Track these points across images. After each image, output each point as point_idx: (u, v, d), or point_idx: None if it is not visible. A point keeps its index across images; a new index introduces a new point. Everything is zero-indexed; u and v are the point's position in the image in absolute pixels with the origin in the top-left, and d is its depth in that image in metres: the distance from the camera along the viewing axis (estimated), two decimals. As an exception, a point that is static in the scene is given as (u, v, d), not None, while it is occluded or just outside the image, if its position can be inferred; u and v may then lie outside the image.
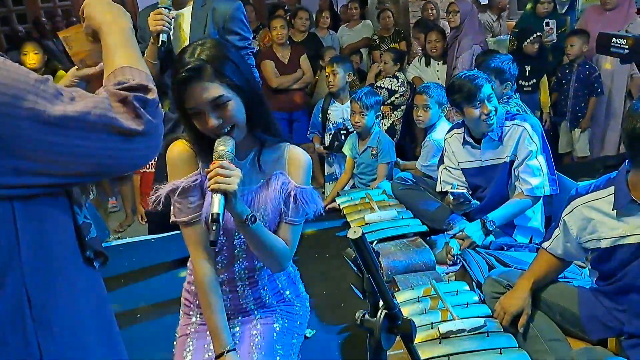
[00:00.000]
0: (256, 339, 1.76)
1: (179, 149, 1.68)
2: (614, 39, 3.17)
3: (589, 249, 1.98)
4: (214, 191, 1.44)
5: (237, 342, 1.74)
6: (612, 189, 1.90)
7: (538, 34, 4.78)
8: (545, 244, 2.15)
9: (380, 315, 1.02)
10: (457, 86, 2.77)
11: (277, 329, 1.80)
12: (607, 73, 4.81)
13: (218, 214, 1.41)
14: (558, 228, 2.08)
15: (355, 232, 0.92)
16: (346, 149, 4.04)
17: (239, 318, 1.83)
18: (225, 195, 1.44)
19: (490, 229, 2.71)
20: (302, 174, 1.70)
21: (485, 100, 2.72)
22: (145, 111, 1.02)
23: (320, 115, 4.48)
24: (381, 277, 0.98)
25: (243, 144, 1.65)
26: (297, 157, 1.71)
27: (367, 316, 1.05)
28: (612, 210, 1.88)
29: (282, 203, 1.67)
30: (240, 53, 1.65)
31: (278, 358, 1.71)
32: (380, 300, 1.03)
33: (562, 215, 2.04)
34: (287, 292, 1.88)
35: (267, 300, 1.83)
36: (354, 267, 1.02)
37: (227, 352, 1.64)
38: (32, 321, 0.99)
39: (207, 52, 1.52)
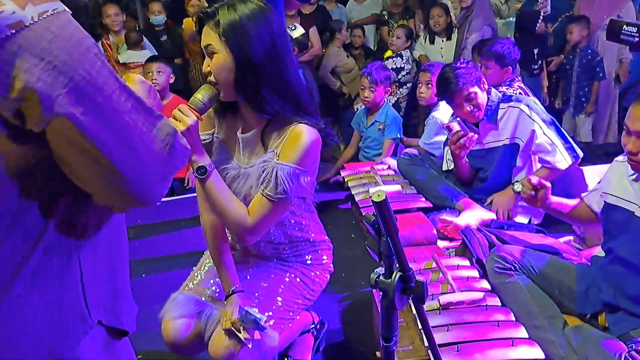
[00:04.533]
0: (264, 284, 1.81)
1: None
2: (624, 27, 3.17)
3: (603, 201, 2.08)
4: None
5: (248, 279, 1.83)
6: None
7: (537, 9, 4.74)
8: (583, 194, 2.28)
9: (394, 276, 1.07)
10: (437, 87, 2.93)
11: (287, 280, 1.83)
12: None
13: None
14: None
15: (379, 195, 0.96)
16: (353, 123, 4.07)
17: (255, 260, 1.90)
18: None
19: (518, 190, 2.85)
20: (294, 153, 1.58)
21: (464, 102, 2.81)
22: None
23: None
24: (399, 240, 1.03)
25: (251, 118, 1.68)
26: (296, 134, 1.59)
27: (381, 277, 1.09)
28: (629, 175, 1.98)
29: (260, 178, 1.62)
30: (266, 21, 1.56)
31: (273, 307, 1.75)
32: (395, 263, 1.08)
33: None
34: (308, 258, 1.91)
35: (286, 257, 1.88)
36: (371, 230, 1.07)
37: (232, 294, 1.74)
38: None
39: (227, 4, 1.56)
